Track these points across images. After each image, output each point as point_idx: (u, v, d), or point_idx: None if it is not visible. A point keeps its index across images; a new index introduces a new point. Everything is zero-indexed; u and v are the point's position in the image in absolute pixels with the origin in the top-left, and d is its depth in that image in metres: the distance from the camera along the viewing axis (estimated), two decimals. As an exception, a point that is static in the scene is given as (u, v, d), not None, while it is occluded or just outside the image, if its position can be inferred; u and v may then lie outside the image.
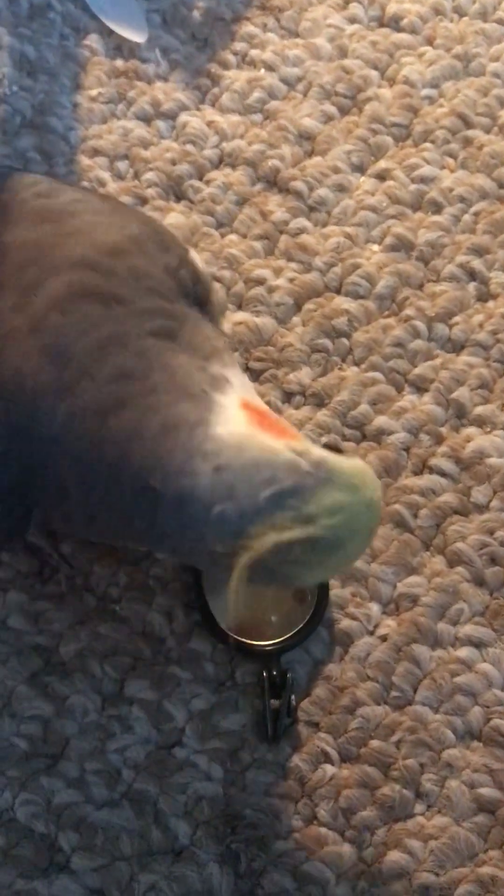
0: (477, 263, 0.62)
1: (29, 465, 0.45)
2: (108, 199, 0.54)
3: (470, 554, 0.55)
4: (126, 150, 0.65)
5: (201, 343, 0.45)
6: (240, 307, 0.61)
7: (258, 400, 0.45)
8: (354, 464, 0.42)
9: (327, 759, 0.51)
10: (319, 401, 0.59)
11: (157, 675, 0.52)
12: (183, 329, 0.45)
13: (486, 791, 0.51)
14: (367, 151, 0.66)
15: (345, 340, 0.60)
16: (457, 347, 0.61)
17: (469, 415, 0.59)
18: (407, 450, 0.58)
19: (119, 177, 0.65)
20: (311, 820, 0.51)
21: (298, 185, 0.64)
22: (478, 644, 0.54)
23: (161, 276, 0.47)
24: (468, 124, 0.66)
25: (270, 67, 0.68)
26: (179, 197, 0.64)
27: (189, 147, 0.65)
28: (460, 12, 0.70)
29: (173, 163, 0.65)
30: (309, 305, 0.61)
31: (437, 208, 0.64)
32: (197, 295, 0.49)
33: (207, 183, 0.64)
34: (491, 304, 0.62)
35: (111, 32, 0.68)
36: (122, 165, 0.65)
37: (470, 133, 0.66)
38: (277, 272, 0.62)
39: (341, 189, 0.64)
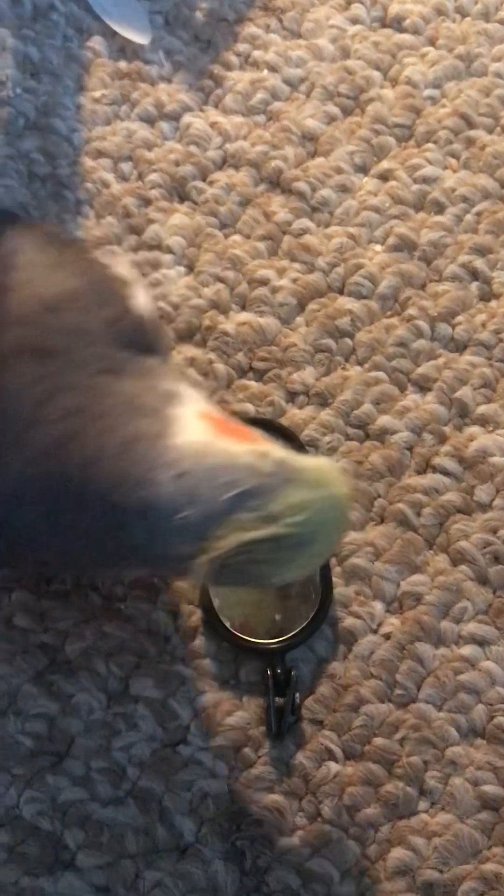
0: (479, 263, 0.63)
1: None
2: (52, 244, 0.52)
3: (473, 552, 0.55)
4: (130, 152, 0.65)
5: (148, 370, 0.46)
6: (243, 308, 0.61)
7: (215, 409, 0.45)
8: (318, 462, 0.43)
9: (331, 756, 0.52)
10: (323, 400, 0.59)
11: (162, 673, 0.53)
12: (127, 366, 0.46)
13: (490, 788, 0.51)
14: (369, 152, 0.66)
15: (348, 340, 0.61)
16: (460, 347, 0.61)
17: (472, 414, 0.59)
18: (410, 449, 0.58)
19: (123, 178, 0.65)
20: (315, 817, 0.51)
21: (301, 185, 0.64)
22: (481, 642, 0.54)
23: (99, 330, 0.47)
24: (470, 125, 0.67)
25: (273, 68, 0.68)
26: (183, 198, 0.64)
27: (192, 148, 0.65)
28: (463, 13, 0.70)
29: (177, 164, 0.65)
30: (312, 305, 0.61)
31: (440, 208, 0.64)
32: (140, 342, 0.48)
33: (211, 184, 0.65)
34: (493, 303, 0.62)
35: (114, 34, 0.68)
36: (125, 167, 0.65)
37: (472, 133, 0.66)
38: (281, 273, 0.62)
39: (344, 189, 0.65)
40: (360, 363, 0.60)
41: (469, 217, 0.64)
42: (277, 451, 0.42)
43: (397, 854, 0.50)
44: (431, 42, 0.70)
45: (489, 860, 0.50)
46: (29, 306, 0.46)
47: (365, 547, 0.55)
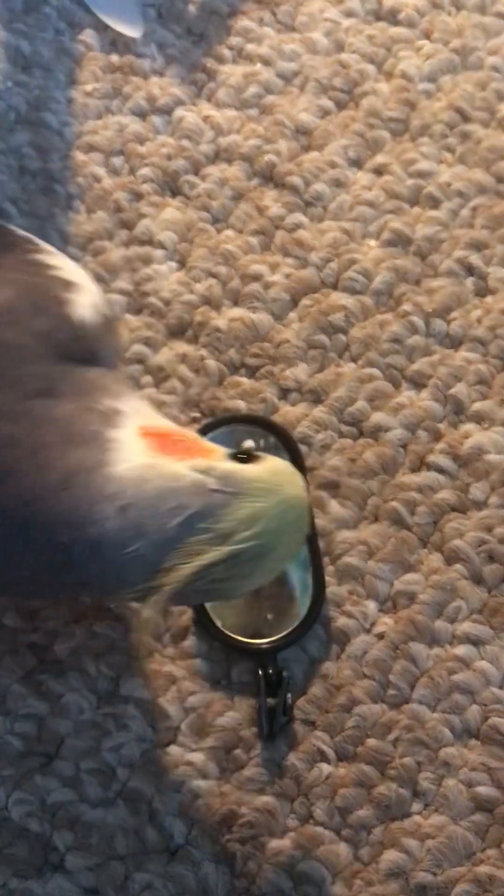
0: (475, 258, 0.62)
1: None
2: None
3: (468, 551, 0.55)
4: (121, 146, 0.65)
5: (84, 387, 0.44)
6: (236, 303, 0.61)
7: (159, 420, 0.44)
8: (266, 467, 0.42)
9: (324, 757, 0.51)
10: (316, 397, 0.58)
11: (153, 673, 0.52)
12: (62, 383, 0.44)
13: (484, 790, 0.51)
14: (363, 146, 0.65)
15: (342, 336, 0.60)
16: (455, 343, 0.60)
17: (467, 411, 0.58)
18: (404, 446, 0.58)
19: (115, 172, 0.64)
20: (307, 819, 0.50)
21: (295, 180, 0.64)
22: (476, 642, 0.53)
23: (32, 345, 0.45)
24: (466, 118, 0.66)
25: (266, 62, 0.68)
26: (175, 192, 0.64)
27: (185, 142, 0.65)
28: (458, 6, 0.70)
29: (169, 158, 0.64)
30: (305, 301, 0.61)
31: (435, 203, 0.64)
32: (80, 352, 0.46)
33: (203, 178, 0.64)
34: (489, 299, 0.61)
35: (106, 27, 0.68)
36: (117, 161, 0.65)
37: (468, 127, 0.66)
38: (274, 268, 0.62)
39: (338, 184, 0.64)
40: (353, 359, 0.60)
41: (464, 212, 0.64)
42: (222, 463, 0.41)
43: (390, 856, 0.49)
44: (426, 35, 0.69)
45: (483, 862, 0.49)
46: None
47: (358, 545, 0.55)
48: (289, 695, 0.51)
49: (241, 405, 0.58)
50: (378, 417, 0.58)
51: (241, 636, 0.52)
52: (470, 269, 0.62)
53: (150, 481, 0.41)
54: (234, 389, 0.58)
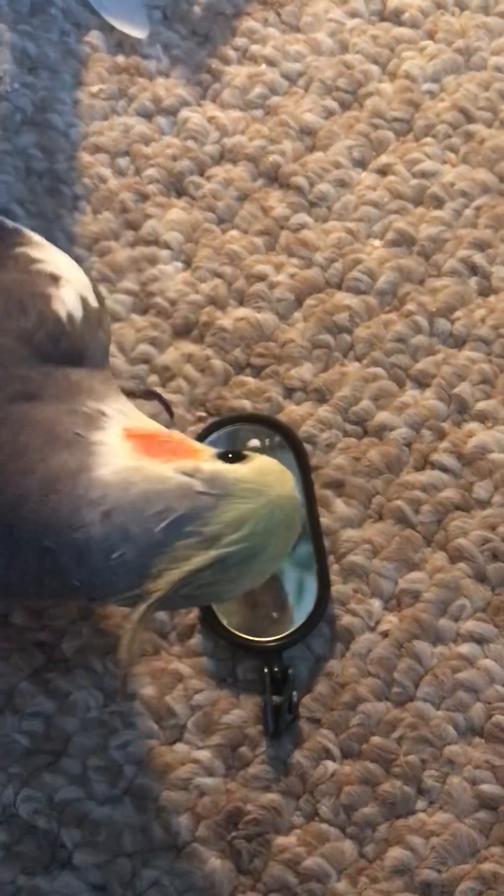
0: (478, 258, 0.62)
1: None
2: None
3: (472, 550, 0.55)
4: (127, 147, 0.65)
5: (67, 388, 0.43)
6: (241, 303, 0.61)
7: (144, 421, 0.43)
8: (253, 467, 0.41)
9: (329, 755, 0.51)
10: (321, 396, 0.59)
11: (159, 671, 0.52)
12: (45, 386, 0.43)
13: (488, 787, 0.51)
14: (368, 146, 0.66)
15: (346, 336, 0.60)
16: (458, 342, 0.61)
17: (471, 410, 0.59)
18: (408, 445, 0.58)
19: (120, 173, 0.65)
20: (312, 816, 0.51)
21: (299, 180, 0.64)
22: (479, 640, 0.54)
23: (12, 346, 0.44)
24: (469, 119, 0.66)
25: (271, 63, 0.68)
26: (180, 193, 0.64)
27: (190, 143, 0.65)
28: (462, 6, 0.70)
29: (174, 159, 0.65)
30: (310, 301, 0.61)
31: (439, 203, 0.64)
32: (63, 351, 0.45)
33: (208, 179, 0.64)
34: (493, 298, 0.62)
35: (112, 29, 0.68)
36: (123, 162, 0.65)
37: (471, 127, 0.66)
38: (278, 268, 0.62)
39: (342, 184, 0.64)
40: (358, 359, 0.60)
41: (468, 212, 0.64)
42: (209, 464, 0.40)
43: (395, 853, 0.50)
44: (430, 36, 0.69)
45: (487, 860, 0.50)
46: None
47: (363, 544, 0.55)
48: (294, 693, 0.52)
49: (246, 404, 0.58)
50: (382, 416, 0.58)
51: (247, 634, 0.53)
52: (473, 269, 0.62)
53: (135, 484, 0.39)
54: (240, 389, 0.59)
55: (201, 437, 0.56)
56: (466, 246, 0.63)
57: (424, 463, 0.57)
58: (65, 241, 0.62)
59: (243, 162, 0.65)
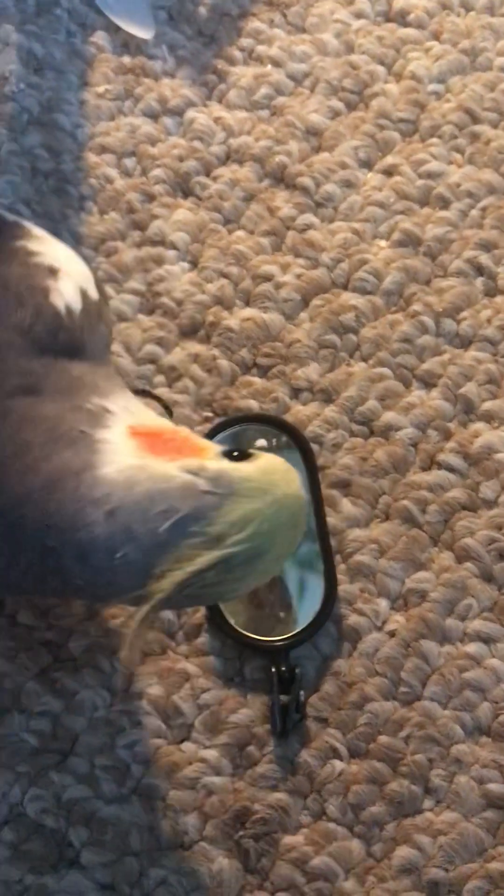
0: (484, 258, 0.62)
1: None
2: None
3: (478, 549, 0.55)
4: (133, 147, 0.65)
5: (70, 384, 0.42)
6: (247, 303, 0.61)
7: (150, 418, 0.43)
8: (258, 465, 0.40)
9: (336, 754, 0.51)
10: (327, 396, 0.59)
11: (167, 670, 0.53)
12: (46, 380, 0.42)
13: (495, 787, 0.51)
14: (374, 147, 0.66)
15: (352, 336, 0.60)
16: (465, 343, 0.61)
17: (477, 410, 0.59)
18: (415, 445, 0.58)
19: (126, 174, 0.65)
20: (319, 815, 0.51)
21: (305, 180, 0.64)
22: (486, 640, 0.54)
23: (11, 339, 0.43)
24: (475, 119, 0.66)
25: (277, 63, 0.68)
26: (187, 193, 0.64)
27: (196, 143, 0.65)
28: (467, 7, 0.70)
29: (180, 159, 0.65)
30: (316, 301, 0.61)
31: (445, 203, 0.64)
32: (63, 344, 0.44)
33: (215, 179, 0.64)
34: (499, 299, 0.62)
35: (118, 29, 0.68)
36: (129, 162, 0.65)
37: (477, 128, 0.66)
38: (285, 268, 0.62)
39: (348, 185, 0.64)
40: (364, 359, 0.60)
41: (474, 212, 0.64)
42: (214, 463, 0.40)
43: (402, 852, 0.50)
44: (436, 36, 0.69)
45: (495, 859, 0.50)
46: None
47: (369, 544, 0.55)
48: (301, 692, 0.52)
49: (252, 405, 0.58)
50: (389, 417, 0.58)
51: (254, 634, 0.53)
52: (480, 270, 0.62)
53: (139, 483, 0.39)
54: (246, 389, 0.59)
55: (208, 438, 0.56)
56: (472, 246, 0.63)
57: (431, 463, 0.58)
58: (71, 241, 0.62)
59: (249, 162, 0.65)
